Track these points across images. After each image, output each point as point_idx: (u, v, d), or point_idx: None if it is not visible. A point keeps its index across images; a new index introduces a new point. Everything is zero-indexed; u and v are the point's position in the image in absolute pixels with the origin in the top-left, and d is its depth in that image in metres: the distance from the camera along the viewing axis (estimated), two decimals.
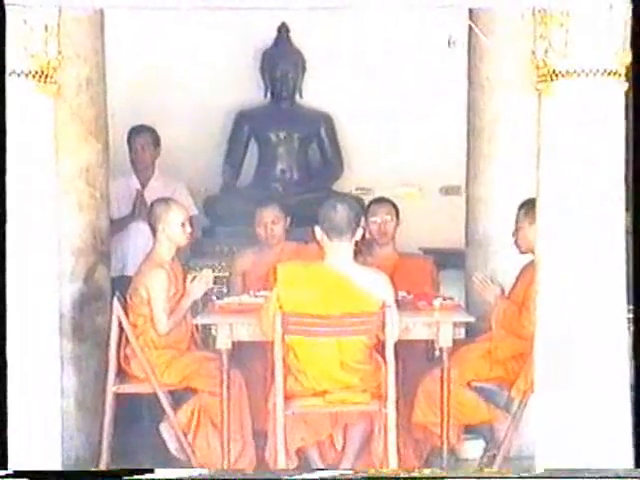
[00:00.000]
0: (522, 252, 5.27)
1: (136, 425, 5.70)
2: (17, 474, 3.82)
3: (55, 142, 4.40)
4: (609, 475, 3.92)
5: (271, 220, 5.83)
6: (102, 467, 5.21)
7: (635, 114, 4.29)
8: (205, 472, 4.67)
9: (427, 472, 4.62)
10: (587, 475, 3.91)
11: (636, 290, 4.27)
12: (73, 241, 5.43)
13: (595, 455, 4.26)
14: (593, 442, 4.25)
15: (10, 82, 4.18)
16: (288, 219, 5.91)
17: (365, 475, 4.21)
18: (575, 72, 4.19)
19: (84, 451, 5.39)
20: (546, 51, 4.23)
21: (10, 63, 4.17)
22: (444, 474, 4.51)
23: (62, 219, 4.86)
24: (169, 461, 5.21)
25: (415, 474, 4.41)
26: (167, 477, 3.98)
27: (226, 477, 4.61)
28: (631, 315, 4.42)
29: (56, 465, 4.37)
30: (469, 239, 5.88)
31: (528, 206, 4.96)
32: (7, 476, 3.85)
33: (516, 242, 5.31)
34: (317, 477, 3.66)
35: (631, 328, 4.38)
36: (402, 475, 4.49)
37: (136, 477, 3.64)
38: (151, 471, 3.73)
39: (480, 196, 5.80)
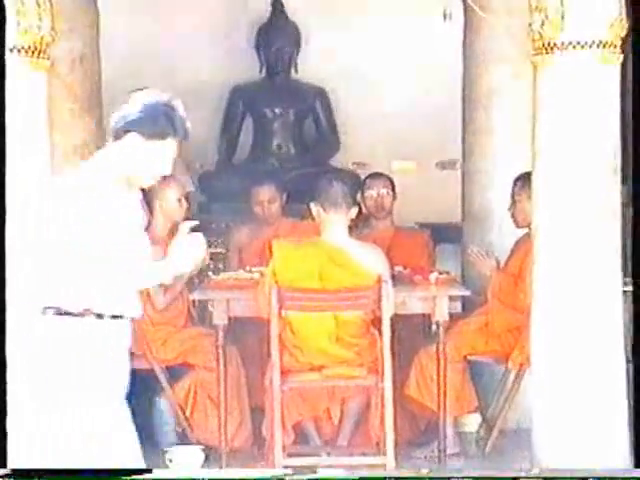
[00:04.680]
0: (519, 226, 5.26)
1: (133, 400, 5.70)
2: (16, 473, 3.83)
3: (49, 118, 4.39)
4: (609, 475, 3.93)
5: (267, 199, 5.82)
6: None
7: (634, 86, 4.28)
8: (206, 472, 4.68)
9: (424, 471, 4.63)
10: (586, 475, 3.92)
11: (635, 289, 4.26)
12: None
13: (592, 427, 4.27)
14: (590, 414, 4.26)
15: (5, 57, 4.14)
16: (284, 196, 5.89)
17: (366, 475, 4.23)
18: (571, 44, 4.18)
19: None
20: (542, 23, 4.22)
21: (5, 39, 4.13)
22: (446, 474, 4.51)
23: None
24: (166, 436, 5.21)
25: (415, 474, 4.41)
26: (166, 477, 4.00)
27: (229, 477, 4.62)
28: (627, 288, 4.42)
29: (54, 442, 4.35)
30: (465, 213, 5.89)
31: (524, 179, 4.95)
32: (6, 475, 3.86)
33: (513, 216, 5.29)
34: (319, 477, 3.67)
35: (626, 301, 4.38)
36: (403, 475, 4.49)
37: (135, 477, 3.68)
38: (149, 471, 3.77)
39: (476, 170, 5.79)
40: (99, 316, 3.35)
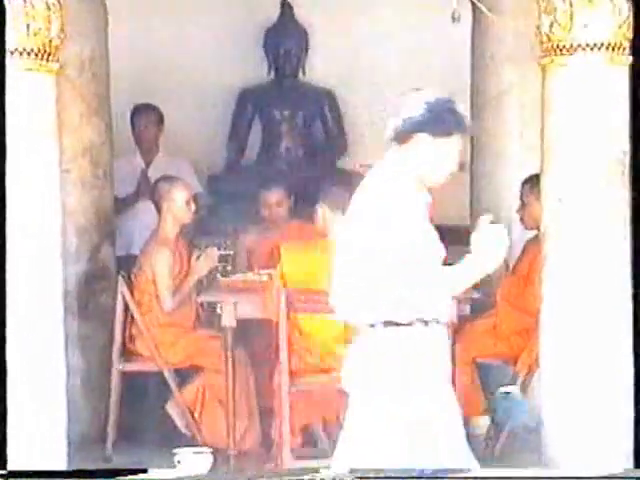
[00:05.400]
0: (528, 228, 5.26)
1: (142, 403, 5.68)
2: (14, 474, 3.85)
3: (58, 121, 4.39)
4: (609, 475, 3.93)
5: (275, 202, 5.80)
6: (109, 445, 5.21)
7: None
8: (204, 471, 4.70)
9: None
10: (586, 475, 3.93)
11: (636, 289, 4.26)
12: (77, 220, 5.42)
13: (600, 428, 4.26)
14: (598, 416, 4.26)
15: (12, 61, 4.16)
16: (292, 199, 5.88)
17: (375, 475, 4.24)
18: (580, 46, 4.18)
19: (91, 429, 5.39)
20: (551, 25, 4.22)
21: (12, 42, 4.15)
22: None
23: (66, 198, 4.86)
24: (175, 438, 5.21)
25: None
26: (164, 477, 4.03)
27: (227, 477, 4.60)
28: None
29: (62, 444, 4.39)
30: (474, 215, 5.82)
31: (533, 181, 4.94)
32: (4, 476, 3.87)
33: (522, 218, 5.29)
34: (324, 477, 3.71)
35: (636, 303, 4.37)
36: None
37: (130, 477, 3.69)
38: (144, 471, 3.80)
39: (485, 172, 5.78)
40: (425, 323, 3.35)
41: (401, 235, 3.29)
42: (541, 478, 4.03)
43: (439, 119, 3.34)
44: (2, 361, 4.10)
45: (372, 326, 3.36)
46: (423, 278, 3.30)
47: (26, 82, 4.22)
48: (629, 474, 4.06)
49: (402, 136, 3.37)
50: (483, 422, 5.40)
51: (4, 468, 3.97)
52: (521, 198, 5.26)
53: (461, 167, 7.13)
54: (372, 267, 3.31)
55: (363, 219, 3.35)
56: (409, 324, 3.33)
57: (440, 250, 3.45)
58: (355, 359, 3.45)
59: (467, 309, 5.04)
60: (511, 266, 5.32)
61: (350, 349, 3.48)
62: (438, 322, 3.39)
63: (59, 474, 4.04)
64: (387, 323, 3.34)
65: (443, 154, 3.37)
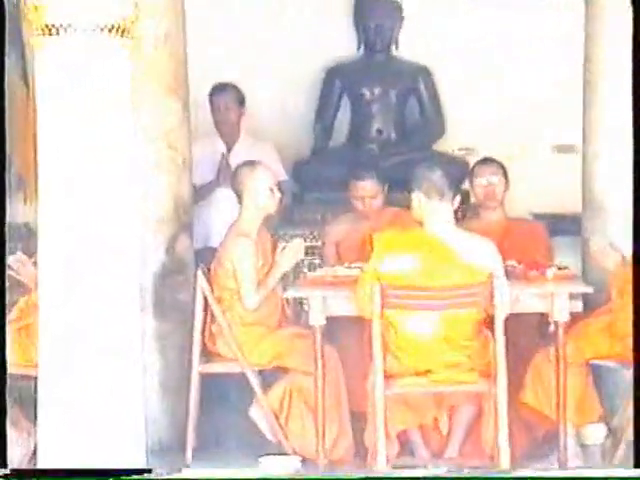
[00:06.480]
0: None
1: (224, 406, 5.59)
2: (15, 473, 3.91)
3: (133, 100, 4.34)
4: (609, 475, 3.63)
5: (369, 195, 5.65)
6: (188, 451, 5.13)
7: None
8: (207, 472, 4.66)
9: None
10: (586, 475, 3.65)
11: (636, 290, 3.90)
12: (154, 210, 5.31)
13: None
14: None
15: (87, 37, 4.15)
16: (386, 188, 5.72)
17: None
18: None
19: (169, 434, 5.31)
20: None
21: (87, 18, 4.14)
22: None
23: (142, 186, 4.80)
24: (259, 445, 5.10)
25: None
26: (171, 478, 3.92)
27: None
28: None
29: (141, 448, 4.30)
30: (586, 202, 5.61)
31: None
32: (6, 475, 3.93)
33: None
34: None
35: None
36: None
37: (134, 477, 3.64)
38: (149, 471, 3.70)
39: (598, 154, 5.52)
40: None
41: None
42: (544, 478, 4.01)
43: None
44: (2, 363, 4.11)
45: None
46: None
47: (101, 60, 4.19)
48: (629, 474, 3.98)
49: None
50: (599, 431, 5.18)
51: (4, 467, 4.01)
52: None
53: (572, 148, 6.90)
54: None
55: None
56: None
57: None
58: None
59: (579, 306, 4.92)
60: (628, 257, 4.98)
61: None
62: None
63: (61, 473, 4.05)
64: None
65: None
